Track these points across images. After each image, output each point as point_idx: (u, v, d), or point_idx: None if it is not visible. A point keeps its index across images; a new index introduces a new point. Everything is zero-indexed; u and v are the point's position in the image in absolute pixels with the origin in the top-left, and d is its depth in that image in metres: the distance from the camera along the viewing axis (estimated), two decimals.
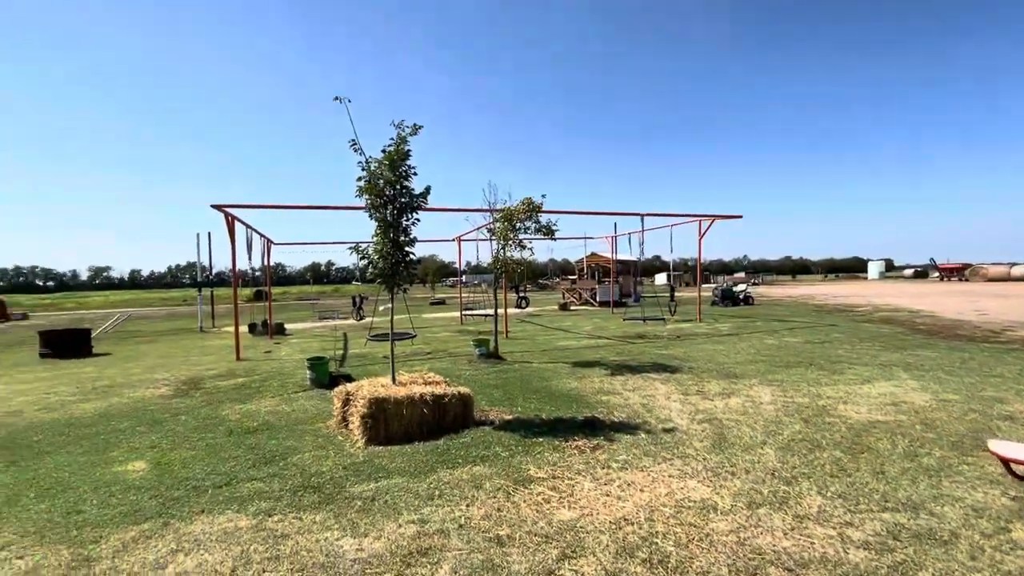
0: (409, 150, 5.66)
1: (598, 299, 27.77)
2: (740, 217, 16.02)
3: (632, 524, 3.37)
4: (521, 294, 25.43)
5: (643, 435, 5.18)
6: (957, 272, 61.33)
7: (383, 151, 5.67)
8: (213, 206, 10.72)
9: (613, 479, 4.12)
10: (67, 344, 12.92)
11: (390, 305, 6.23)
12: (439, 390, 5.55)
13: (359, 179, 5.62)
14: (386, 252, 5.62)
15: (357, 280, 22.51)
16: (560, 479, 4.14)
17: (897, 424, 5.32)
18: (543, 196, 9.17)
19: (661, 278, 69.65)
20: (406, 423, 5.23)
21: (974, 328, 13.23)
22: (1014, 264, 58.30)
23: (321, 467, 4.54)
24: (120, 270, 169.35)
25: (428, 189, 5.82)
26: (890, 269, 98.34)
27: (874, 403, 6.15)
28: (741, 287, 25.49)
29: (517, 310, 24.00)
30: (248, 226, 13.88)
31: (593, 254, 37.40)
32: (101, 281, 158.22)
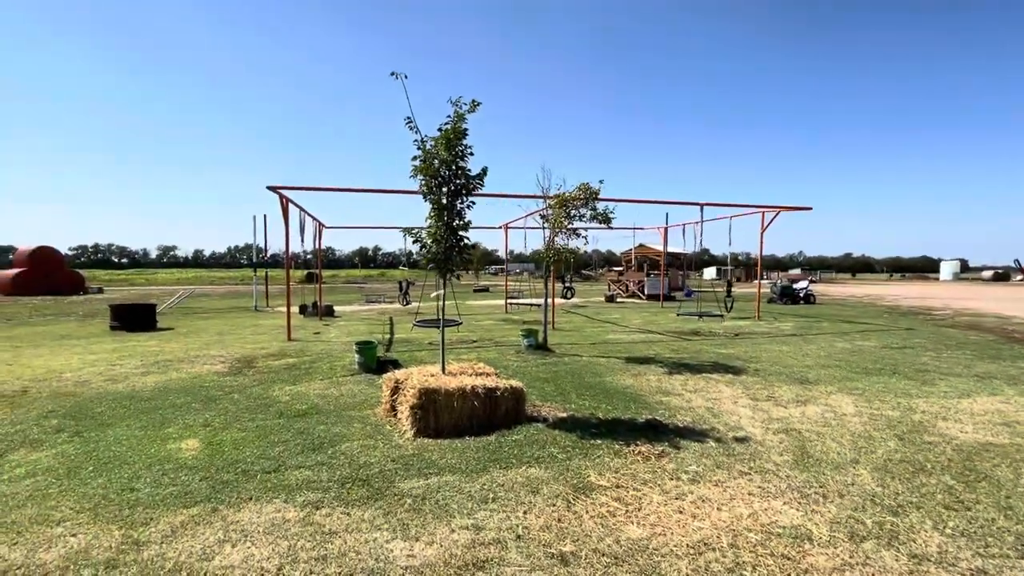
0: (466, 129, 5.34)
1: (646, 292, 26.92)
2: (810, 209, 14.88)
3: (713, 550, 2.97)
4: (567, 284, 24.92)
5: (712, 443, 4.72)
6: None
7: (439, 130, 5.38)
8: (269, 187, 10.85)
9: (685, 493, 3.71)
10: (135, 318, 13.57)
11: (442, 291, 5.98)
12: (491, 383, 5.27)
13: (414, 159, 5.37)
14: (440, 236, 5.35)
15: (404, 265, 22.69)
16: (625, 489, 3.77)
17: (1016, 448, 4.61)
18: (600, 182, 8.69)
19: (710, 272, 67.16)
20: (456, 416, 4.99)
21: None
22: None
23: (370, 458, 4.36)
24: (185, 249, 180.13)
25: (485, 171, 5.50)
26: (965, 270, 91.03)
27: (980, 421, 5.41)
28: (802, 284, 23.96)
29: (562, 300, 23.55)
30: (301, 208, 14.07)
31: (641, 245, 36.33)
32: (168, 259, 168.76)
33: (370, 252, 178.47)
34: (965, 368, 8.21)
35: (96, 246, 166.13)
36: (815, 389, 6.80)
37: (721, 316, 12.94)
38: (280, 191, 11.22)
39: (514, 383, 5.40)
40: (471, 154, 5.42)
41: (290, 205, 12.06)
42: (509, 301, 19.60)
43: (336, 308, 19.43)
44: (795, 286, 23.48)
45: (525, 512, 3.43)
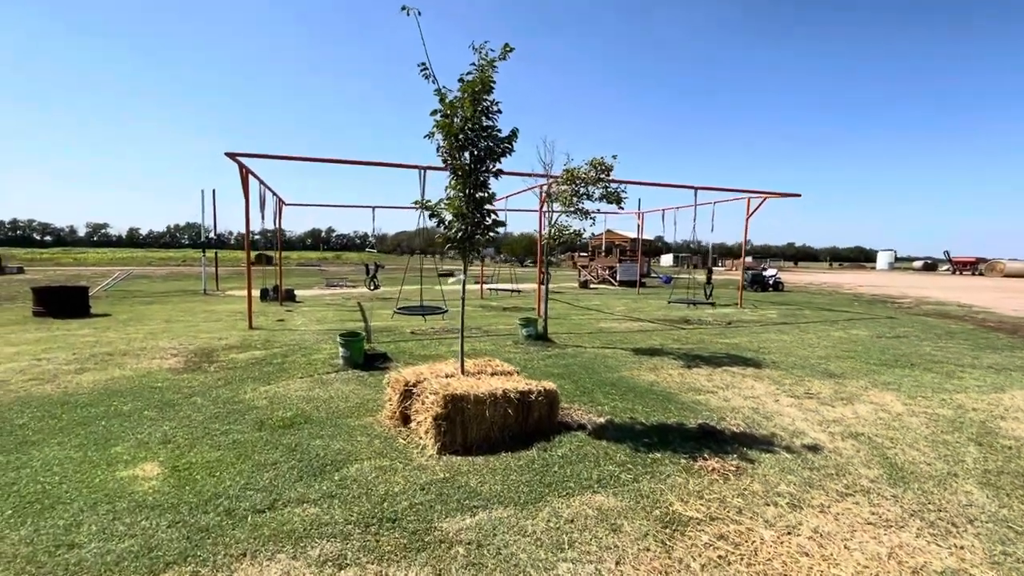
0: (494, 81, 4.41)
1: (619, 278, 26.65)
2: (798, 196, 14.73)
3: None
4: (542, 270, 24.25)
5: (785, 454, 4.11)
6: (971, 266, 60.11)
7: (460, 80, 4.43)
8: (228, 154, 9.43)
9: (794, 525, 3.06)
10: (63, 302, 11.78)
11: (462, 276, 5.08)
12: (522, 385, 4.45)
13: (434, 113, 4.39)
14: (463, 210, 4.42)
15: (371, 247, 21.28)
16: (723, 522, 3.07)
17: None
18: (614, 157, 7.91)
19: (667, 259, 68.23)
20: (487, 427, 4.15)
21: None
22: None
23: (391, 485, 3.47)
24: (118, 228, 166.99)
25: (515, 132, 4.59)
26: (897, 260, 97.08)
27: None
28: (771, 272, 24.32)
29: (537, 286, 22.88)
30: (261, 181, 12.59)
31: (609, 231, 36.13)
32: (99, 238, 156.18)
33: (323, 233, 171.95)
34: (974, 359, 8.09)
35: (14, 222, 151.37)
36: (848, 384, 6.38)
37: (712, 304, 12.59)
38: (239, 159, 9.81)
39: (547, 385, 4.60)
40: (499, 111, 4.50)
41: (250, 177, 10.64)
42: (488, 287, 18.71)
43: (296, 292, 17.94)
44: (764, 273, 23.78)
45: (617, 562, 2.67)
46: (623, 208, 8.45)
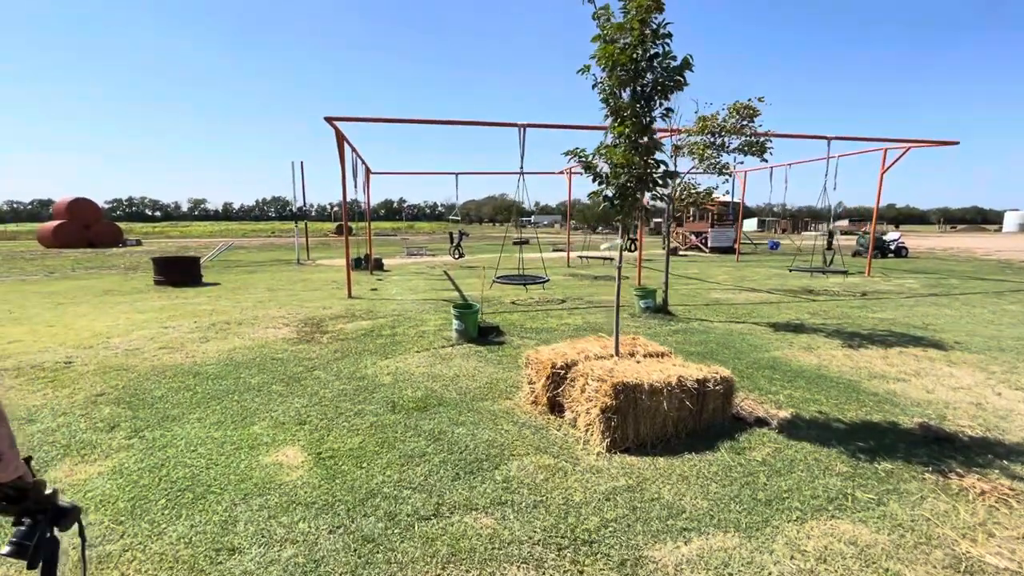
0: None
1: (710, 244, 24.80)
2: (956, 143, 12.45)
3: None
4: (631, 236, 23.01)
5: None
6: None
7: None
8: (327, 119, 9.16)
9: None
10: (180, 272, 12.41)
11: (619, 241, 4.36)
12: (693, 371, 3.71)
13: (596, 39, 3.60)
14: (629, 160, 3.63)
15: (455, 215, 21.02)
16: None
17: None
18: (760, 100, 6.71)
19: (750, 224, 63.31)
20: (661, 421, 3.47)
21: None
22: None
23: (568, 492, 2.90)
24: (215, 203, 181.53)
25: (688, 61, 3.69)
26: None
27: None
28: (892, 236, 21.48)
29: (628, 254, 21.74)
30: (354, 148, 12.41)
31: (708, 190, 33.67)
32: (199, 212, 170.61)
33: (395, 204, 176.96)
34: None
35: (130, 199, 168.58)
36: None
37: (845, 272, 11.02)
38: (336, 123, 9.54)
39: (722, 371, 3.82)
40: (669, 36, 3.62)
41: (344, 144, 10.40)
42: (580, 255, 17.89)
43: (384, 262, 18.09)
44: (885, 238, 21.03)
45: None
46: (767, 160, 7.24)
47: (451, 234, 19.08)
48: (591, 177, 3.93)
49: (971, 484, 2.94)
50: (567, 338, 5.50)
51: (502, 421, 3.90)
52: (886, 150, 13.00)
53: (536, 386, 4.10)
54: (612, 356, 4.05)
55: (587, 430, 3.52)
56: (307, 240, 23.10)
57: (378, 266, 16.67)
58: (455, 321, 6.45)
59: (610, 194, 3.82)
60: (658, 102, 3.70)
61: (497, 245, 33.27)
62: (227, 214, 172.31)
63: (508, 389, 4.63)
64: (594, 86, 3.75)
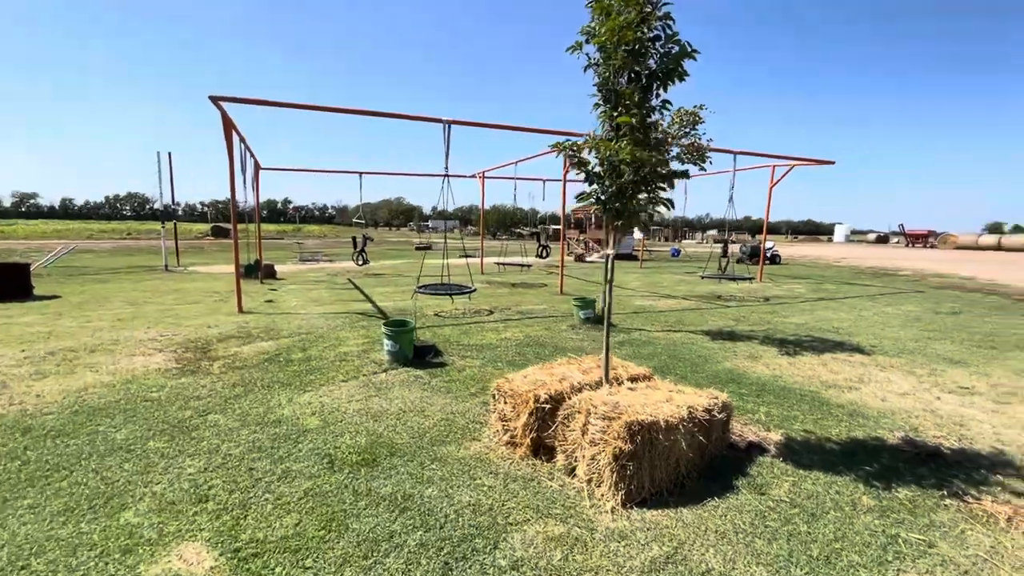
0: None
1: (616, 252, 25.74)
2: (832, 163, 13.95)
3: None
4: (542, 243, 23.01)
5: None
6: (922, 239, 63.01)
7: None
8: (211, 97, 7.59)
9: None
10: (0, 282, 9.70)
11: (610, 251, 3.80)
12: (696, 399, 3.28)
13: (588, 4, 3.02)
14: (639, 156, 3.09)
15: (359, 218, 19.39)
16: None
17: None
18: (702, 107, 6.63)
19: (637, 234, 67.98)
20: (674, 462, 2.96)
21: None
22: (981, 233, 60.53)
23: (599, 573, 2.25)
24: (49, 198, 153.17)
25: (687, 48, 3.25)
26: (853, 234, 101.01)
27: None
28: (769, 245, 23.95)
29: (539, 260, 21.68)
30: (242, 138, 10.68)
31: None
32: (28, 209, 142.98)
33: (280, 205, 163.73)
34: None
35: None
36: (986, 372, 5.55)
37: (751, 279, 11.74)
38: (221, 103, 7.98)
39: (721, 396, 3.44)
40: (670, 19, 3.16)
41: (233, 134, 8.79)
42: (497, 262, 17.32)
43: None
44: (756, 246, 23.36)
45: None
46: (705, 169, 7.24)
47: (354, 239, 17.51)
48: (584, 176, 3.34)
49: (993, 508, 2.81)
50: (516, 353, 4.87)
51: (479, 473, 3.15)
52: (774, 167, 14.22)
53: (514, 424, 3.40)
54: (602, 383, 3.50)
55: (591, 480, 2.90)
56: (176, 243, 19.92)
57: (270, 274, 14.70)
58: (387, 341, 5.50)
59: (610, 197, 3.26)
60: (655, 92, 3.22)
61: (399, 251, 31.68)
62: (66, 212, 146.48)
63: (470, 426, 3.87)
64: (587, 68, 3.18)
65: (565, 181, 11.89)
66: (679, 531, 2.57)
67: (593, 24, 3.09)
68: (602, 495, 2.82)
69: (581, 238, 29.00)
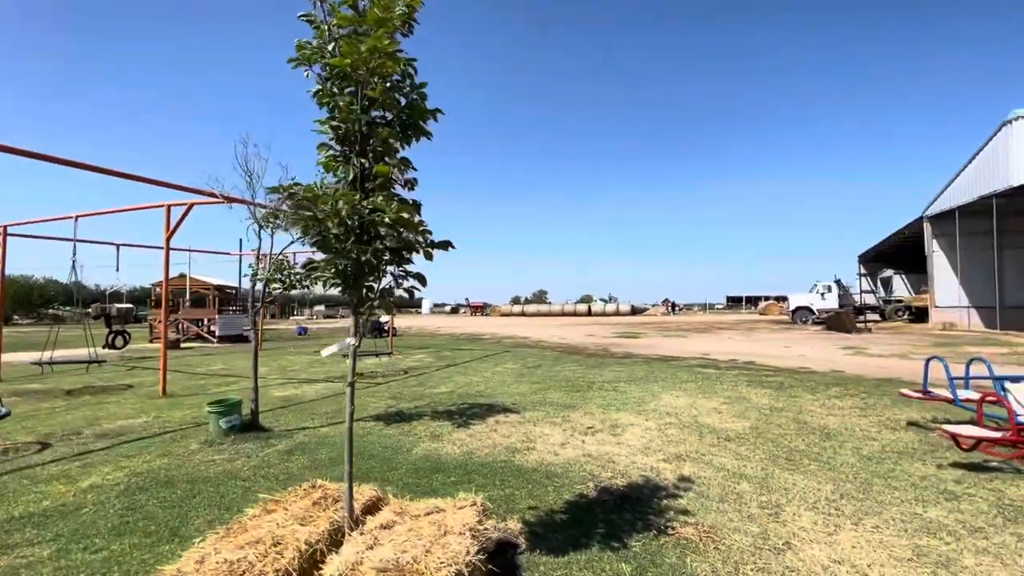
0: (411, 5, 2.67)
1: (219, 333, 21.71)
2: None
3: None
4: (114, 329, 16.73)
5: (702, 498, 4.10)
6: (480, 309, 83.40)
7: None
8: None
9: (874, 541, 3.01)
10: None
11: (352, 341, 2.69)
12: (464, 516, 2.70)
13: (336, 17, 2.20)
14: (393, 215, 2.35)
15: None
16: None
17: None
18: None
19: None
20: None
21: (601, 349, 17.75)
22: (526, 303, 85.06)
23: None
24: None
25: (437, 110, 2.86)
26: (436, 306, 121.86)
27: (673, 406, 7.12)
28: (385, 318, 25.52)
29: (112, 350, 15.73)
30: None
31: (182, 275, 29.48)
32: None
33: None
34: (620, 371, 10.73)
35: None
36: (592, 411, 7.15)
37: (389, 353, 11.92)
38: None
39: (471, 497, 2.99)
40: (413, 62, 2.73)
41: None
42: (36, 361, 11.21)
43: None
44: (381, 320, 24.72)
45: None
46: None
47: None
48: (306, 238, 2.34)
49: (691, 533, 3.37)
50: (121, 518, 3.06)
51: None
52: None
53: None
54: (341, 528, 2.43)
55: None
56: None
57: None
58: None
59: (338, 273, 2.37)
60: (407, 145, 2.67)
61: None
62: None
63: None
64: (316, 93, 2.32)
65: (168, 248, 9.20)
66: None
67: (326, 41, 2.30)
68: None
69: (173, 319, 23.30)
